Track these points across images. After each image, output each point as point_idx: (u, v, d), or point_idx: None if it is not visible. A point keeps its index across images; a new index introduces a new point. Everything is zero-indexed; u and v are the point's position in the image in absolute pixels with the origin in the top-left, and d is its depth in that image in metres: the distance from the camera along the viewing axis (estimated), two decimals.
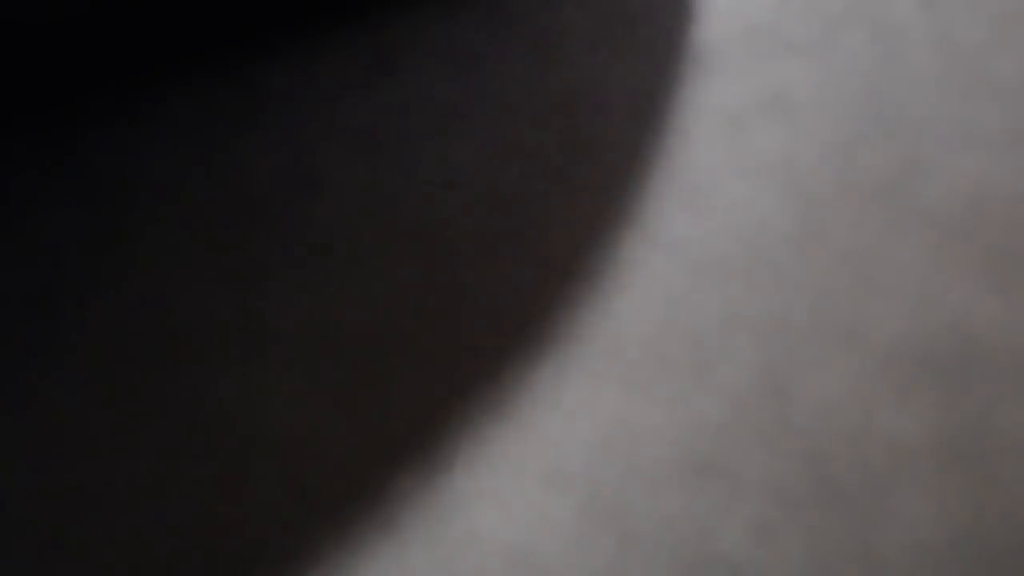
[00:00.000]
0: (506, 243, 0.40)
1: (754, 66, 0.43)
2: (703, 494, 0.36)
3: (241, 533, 0.36)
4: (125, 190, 0.41)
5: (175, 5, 0.41)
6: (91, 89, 0.42)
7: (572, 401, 0.38)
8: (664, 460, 0.37)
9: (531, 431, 0.37)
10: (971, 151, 0.41)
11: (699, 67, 0.43)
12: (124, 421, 0.37)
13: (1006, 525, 0.36)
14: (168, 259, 0.39)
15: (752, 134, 0.41)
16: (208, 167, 0.41)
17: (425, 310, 0.39)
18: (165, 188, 0.41)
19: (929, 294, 0.39)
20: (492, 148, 0.41)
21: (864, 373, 0.38)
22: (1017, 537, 0.36)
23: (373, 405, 0.37)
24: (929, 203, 0.40)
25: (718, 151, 0.41)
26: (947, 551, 0.36)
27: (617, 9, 0.44)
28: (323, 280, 0.39)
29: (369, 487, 0.36)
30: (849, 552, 0.36)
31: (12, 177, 0.41)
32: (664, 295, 0.39)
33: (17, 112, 0.42)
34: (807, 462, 0.37)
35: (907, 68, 0.42)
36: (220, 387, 0.38)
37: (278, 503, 0.36)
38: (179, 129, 0.42)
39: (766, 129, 0.42)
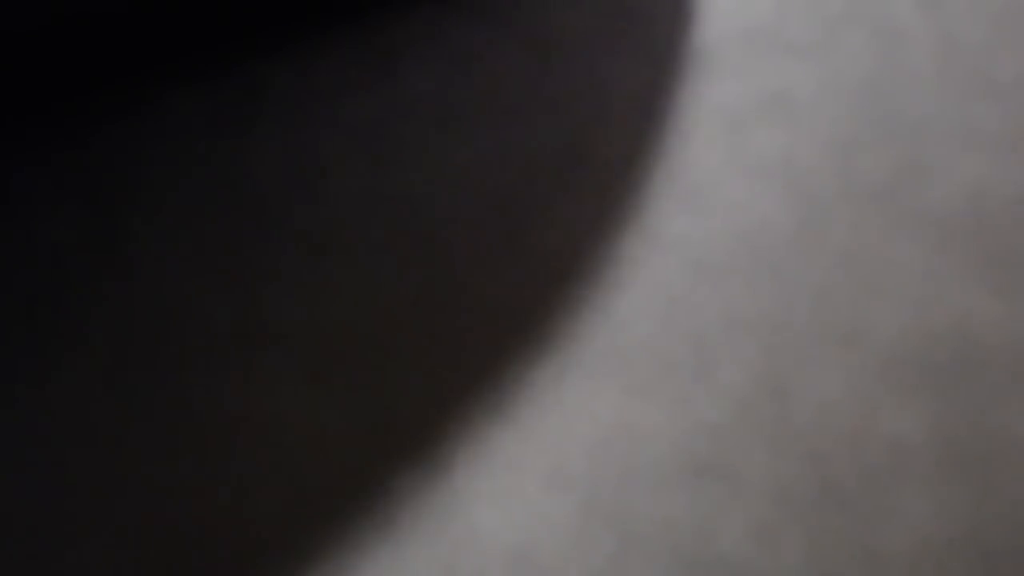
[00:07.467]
0: (506, 243, 0.40)
1: (754, 66, 0.43)
2: (703, 495, 0.36)
3: (241, 533, 0.36)
4: (125, 190, 0.41)
5: (176, 5, 0.41)
6: (92, 89, 0.42)
7: (572, 401, 0.38)
8: (664, 461, 0.37)
9: (531, 431, 0.37)
10: (971, 151, 0.41)
11: (699, 67, 0.43)
12: (124, 420, 0.37)
13: (1006, 525, 0.36)
14: (168, 259, 0.39)
15: (752, 134, 0.42)
16: (208, 167, 0.41)
17: (425, 310, 0.39)
18: (166, 188, 0.41)
19: (929, 294, 0.39)
20: (492, 148, 0.41)
21: (864, 373, 0.38)
22: (1017, 537, 0.36)
23: (373, 405, 0.37)
24: (929, 203, 0.40)
25: (718, 151, 0.41)
26: (947, 551, 0.36)
27: (616, 9, 0.44)
28: (323, 280, 0.39)
29: (369, 487, 0.36)
30: (849, 552, 0.36)
31: (13, 177, 0.41)
32: (664, 295, 0.39)
33: (18, 112, 0.42)
34: (807, 462, 0.37)
35: (907, 68, 0.43)
36: (220, 386, 0.38)
37: (278, 503, 0.36)
38: (180, 129, 0.42)
39: (766, 129, 0.42)
